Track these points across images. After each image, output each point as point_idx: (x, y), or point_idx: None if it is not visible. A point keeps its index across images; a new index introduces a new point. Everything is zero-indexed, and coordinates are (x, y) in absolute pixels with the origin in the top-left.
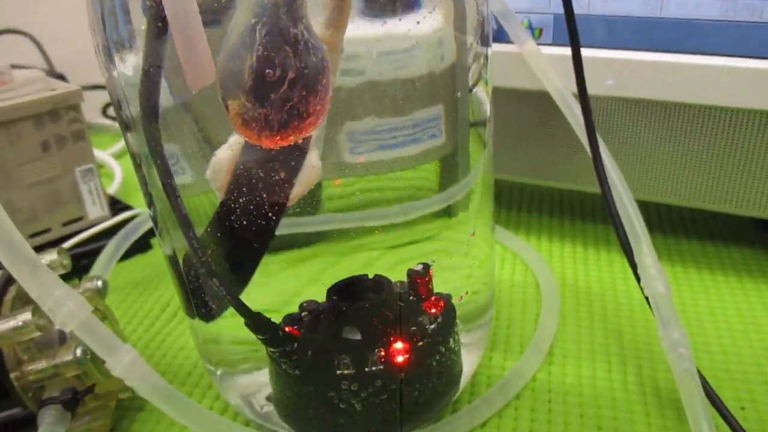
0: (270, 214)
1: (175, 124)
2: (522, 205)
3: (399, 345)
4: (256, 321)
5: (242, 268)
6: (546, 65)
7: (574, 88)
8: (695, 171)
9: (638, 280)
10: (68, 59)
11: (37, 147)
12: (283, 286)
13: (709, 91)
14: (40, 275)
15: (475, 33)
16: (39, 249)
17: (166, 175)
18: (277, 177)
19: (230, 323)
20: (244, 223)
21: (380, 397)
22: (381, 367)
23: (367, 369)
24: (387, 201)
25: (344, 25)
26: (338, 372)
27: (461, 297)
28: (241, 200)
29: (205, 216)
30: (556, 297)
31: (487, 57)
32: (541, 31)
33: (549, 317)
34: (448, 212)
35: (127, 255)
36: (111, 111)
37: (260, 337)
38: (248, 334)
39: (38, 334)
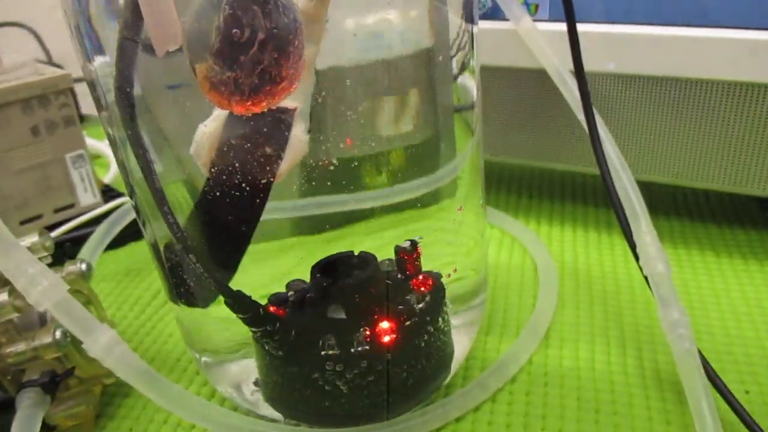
0: (257, 192)
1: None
2: (522, 189)
3: (385, 324)
4: (236, 300)
5: (230, 253)
6: (542, 42)
7: (572, 66)
8: (699, 149)
9: (637, 259)
10: (67, 52)
11: (26, 132)
12: (270, 266)
13: (714, 65)
14: (13, 252)
15: (458, 7)
16: None
17: (139, 146)
18: (262, 151)
19: (214, 308)
20: (231, 202)
21: (366, 378)
22: (367, 347)
23: (352, 349)
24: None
25: None
26: (323, 352)
27: (449, 275)
28: (226, 177)
29: (187, 204)
30: (554, 279)
31: (472, 35)
32: (537, 6)
33: (546, 299)
34: (435, 198)
35: (121, 243)
36: None
37: (241, 316)
38: (231, 317)
39: (16, 315)
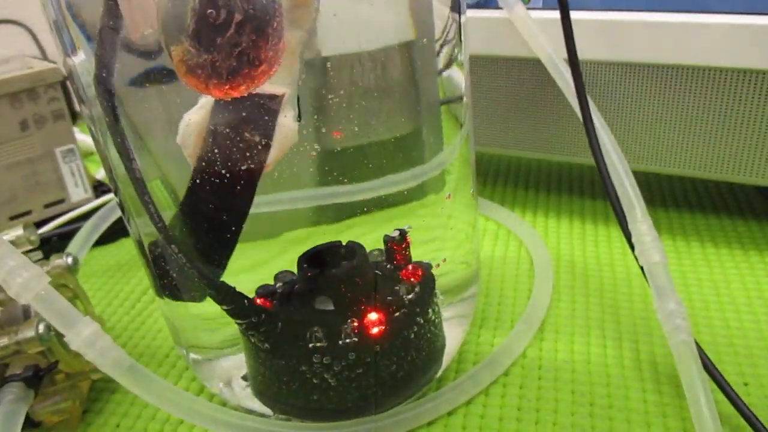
0: (246, 181)
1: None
2: (518, 180)
3: (373, 316)
4: (219, 291)
5: (219, 247)
6: (536, 31)
7: (566, 54)
8: (698, 138)
9: (633, 249)
10: None
11: (15, 126)
12: (258, 257)
13: (711, 52)
14: None
15: None
16: None
17: (118, 134)
18: (250, 139)
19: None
20: (219, 192)
21: (355, 371)
22: (355, 339)
23: (340, 341)
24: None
25: None
26: (310, 345)
27: (438, 265)
28: (214, 167)
29: (166, 201)
30: (549, 271)
31: (460, 25)
32: None
33: (541, 292)
34: (423, 190)
35: (111, 238)
36: None
37: (225, 308)
38: (218, 312)
39: None
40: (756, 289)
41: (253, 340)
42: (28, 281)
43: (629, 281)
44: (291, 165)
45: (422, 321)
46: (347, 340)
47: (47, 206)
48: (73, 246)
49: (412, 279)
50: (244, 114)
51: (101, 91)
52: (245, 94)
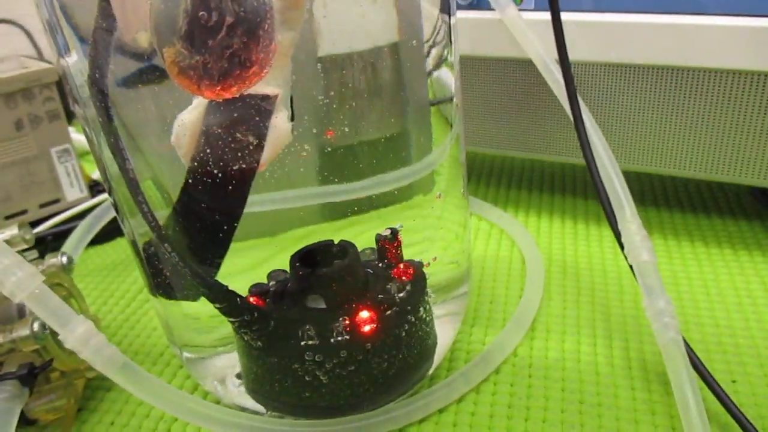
0: (239, 181)
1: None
2: (510, 180)
3: (365, 314)
4: (212, 290)
5: (213, 246)
6: (528, 32)
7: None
8: (689, 139)
9: (622, 248)
10: None
11: (10, 126)
12: (250, 257)
13: (704, 53)
14: None
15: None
16: None
17: (111, 134)
18: (244, 139)
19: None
20: (213, 193)
21: (347, 368)
22: (347, 337)
23: (332, 339)
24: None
25: None
26: (302, 343)
27: (429, 263)
28: (207, 167)
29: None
30: (541, 270)
31: (450, 27)
32: None
33: (532, 291)
34: (412, 190)
35: (107, 238)
36: None
37: (218, 306)
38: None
39: None
40: (745, 288)
41: (245, 339)
42: (22, 280)
43: (619, 280)
44: (284, 165)
45: (413, 319)
46: (339, 338)
47: (42, 206)
48: (68, 245)
49: (404, 277)
50: (237, 114)
51: (95, 92)
52: (237, 96)
